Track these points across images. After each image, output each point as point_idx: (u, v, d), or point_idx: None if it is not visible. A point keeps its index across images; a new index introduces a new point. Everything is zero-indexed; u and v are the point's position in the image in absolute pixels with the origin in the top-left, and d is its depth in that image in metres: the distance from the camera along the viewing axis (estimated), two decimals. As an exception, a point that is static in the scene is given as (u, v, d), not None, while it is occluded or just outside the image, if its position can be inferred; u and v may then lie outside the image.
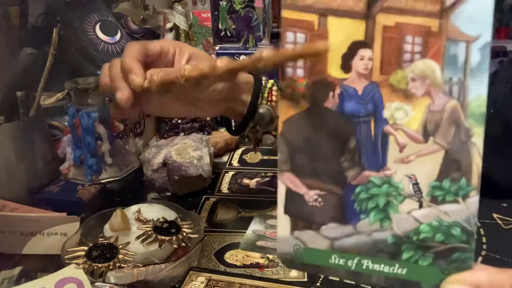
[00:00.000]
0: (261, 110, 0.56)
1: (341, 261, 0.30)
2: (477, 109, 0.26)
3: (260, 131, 0.58)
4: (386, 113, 0.28)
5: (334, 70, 0.28)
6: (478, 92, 0.26)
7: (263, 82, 0.57)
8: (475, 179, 0.27)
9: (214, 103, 0.54)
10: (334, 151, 0.29)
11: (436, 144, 0.27)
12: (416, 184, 0.28)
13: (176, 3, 1.34)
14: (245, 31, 0.97)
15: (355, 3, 0.27)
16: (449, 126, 0.27)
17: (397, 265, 0.29)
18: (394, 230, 0.28)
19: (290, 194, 0.30)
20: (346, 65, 0.28)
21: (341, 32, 0.28)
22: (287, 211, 0.30)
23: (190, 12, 1.27)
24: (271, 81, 0.58)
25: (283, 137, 0.30)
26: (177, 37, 1.28)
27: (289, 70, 0.29)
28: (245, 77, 0.56)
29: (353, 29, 0.27)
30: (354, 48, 0.28)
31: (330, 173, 0.29)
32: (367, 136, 0.28)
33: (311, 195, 0.30)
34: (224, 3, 0.95)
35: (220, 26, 0.97)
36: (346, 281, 0.47)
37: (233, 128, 0.59)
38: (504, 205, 0.62)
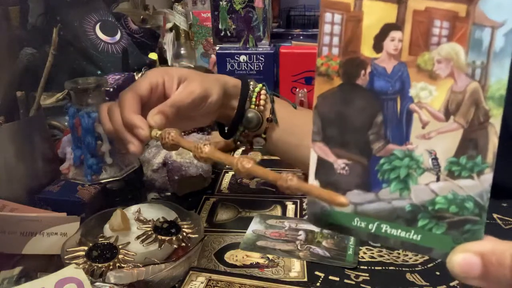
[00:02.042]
0: (249, 115, 0.57)
1: (363, 224, 0.32)
2: (497, 92, 0.27)
3: (250, 134, 0.59)
4: (412, 92, 0.30)
5: (366, 49, 0.30)
6: (499, 76, 0.27)
7: (251, 86, 0.58)
8: (490, 157, 0.28)
9: (208, 114, 0.55)
10: (362, 124, 0.31)
11: (456, 123, 0.29)
12: (435, 159, 0.30)
13: (176, 3, 1.34)
14: (245, 31, 0.97)
15: None
16: (469, 107, 0.28)
17: (412, 231, 0.30)
18: (412, 199, 0.30)
19: (321, 162, 0.32)
20: (377, 46, 0.30)
21: (375, 14, 0.30)
22: (317, 177, 0.33)
23: (190, 12, 1.27)
24: (260, 85, 0.58)
25: (317, 110, 0.32)
26: (177, 37, 1.28)
27: (325, 49, 0.31)
28: (233, 82, 0.57)
29: (386, 12, 0.29)
30: (386, 29, 0.29)
31: (357, 144, 0.31)
32: (393, 112, 0.30)
33: (339, 164, 0.32)
34: (224, 3, 0.95)
35: (220, 26, 0.97)
36: (346, 281, 0.48)
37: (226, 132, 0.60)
38: (504, 205, 0.62)
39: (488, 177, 0.28)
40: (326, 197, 0.29)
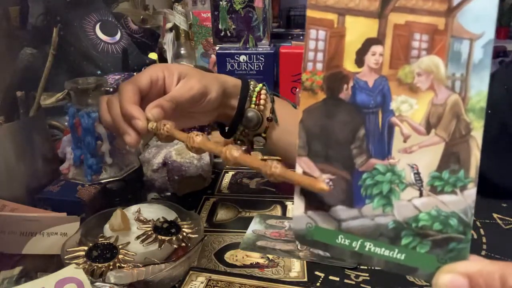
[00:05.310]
0: (248, 114, 0.57)
1: (346, 242, 0.31)
2: (477, 104, 0.27)
3: (250, 134, 0.59)
4: (393, 105, 0.30)
5: (348, 64, 0.31)
6: (479, 88, 0.27)
7: (251, 86, 0.58)
8: (473, 172, 0.28)
9: (207, 112, 0.55)
10: (345, 139, 0.31)
11: (437, 136, 0.29)
12: (417, 173, 0.29)
13: (176, 3, 1.34)
14: (245, 31, 0.97)
15: (370, 3, 0.29)
16: (450, 119, 0.28)
17: (396, 250, 0.30)
18: (395, 216, 0.30)
19: None
20: (359, 60, 0.30)
21: (357, 30, 0.30)
22: (302, 192, 0.33)
23: (190, 12, 1.27)
24: (260, 85, 0.58)
25: (302, 124, 0.32)
26: (177, 37, 1.28)
27: (309, 64, 0.32)
28: (233, 81, 0.57)
29: (368, 27, 0.30)
30: (367, 44, 0.30)
31: (341, 159, 0.31)
32: (375, 126, 0.30)
33: (323, 178, 0.32)
34: (224, 3, 0.95)
35: (220, 26, 0.97)
36: (346, 281, 0.48)
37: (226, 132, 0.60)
38: (504, 205, 0.62)
39: (471, 192, 0.28)
40: (308, 183, 0.29)
